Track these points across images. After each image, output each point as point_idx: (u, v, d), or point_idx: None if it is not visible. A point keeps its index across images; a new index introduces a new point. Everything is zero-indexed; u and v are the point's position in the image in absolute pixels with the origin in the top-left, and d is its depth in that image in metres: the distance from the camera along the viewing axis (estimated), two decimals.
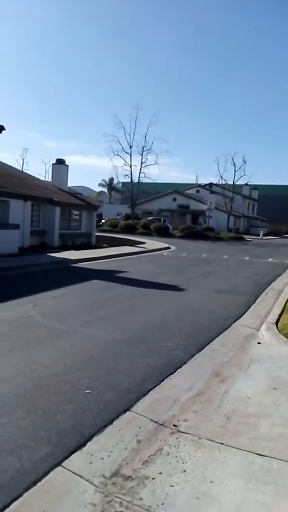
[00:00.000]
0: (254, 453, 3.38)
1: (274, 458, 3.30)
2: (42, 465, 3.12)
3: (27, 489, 2.85)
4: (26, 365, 5.08)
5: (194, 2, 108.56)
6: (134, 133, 54.26)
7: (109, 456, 3.31)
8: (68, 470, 3.11)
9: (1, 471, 3.02)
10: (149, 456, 3.35)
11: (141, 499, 2.84)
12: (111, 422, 3.82)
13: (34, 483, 2.92)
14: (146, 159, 48.04)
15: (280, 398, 4.44)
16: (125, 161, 48.70)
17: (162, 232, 40.15)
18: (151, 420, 3.91)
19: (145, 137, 55.46)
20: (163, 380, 4.82)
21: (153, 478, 3.07)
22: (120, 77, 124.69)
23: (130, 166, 48.02)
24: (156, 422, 3.88)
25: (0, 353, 5.48)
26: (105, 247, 24.71)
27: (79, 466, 3.16)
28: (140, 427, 3.77)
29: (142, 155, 48.15)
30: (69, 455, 3.27)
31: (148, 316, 8.09)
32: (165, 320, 7.79)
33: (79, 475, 3.05)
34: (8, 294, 9.42)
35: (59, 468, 3.12)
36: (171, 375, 4.98)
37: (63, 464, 3.17)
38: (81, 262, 16.82)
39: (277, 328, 7.32)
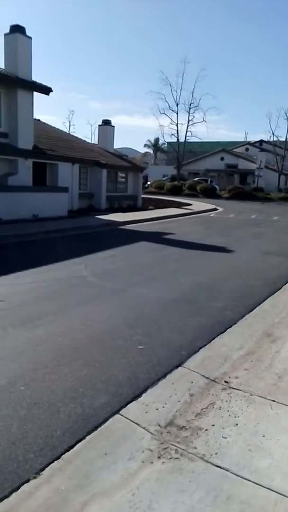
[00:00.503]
0: None
1: None
2: (101, 412, 3.35)
3: (89, 433, 3.09)
4: (81, 321, 5.35)
5: None
6: (181, 90, 52.61)
7: (163, 407, 3.48)
8: (126, 418, 3.31)
9: (65, 415, 3.28)
10: (202, 409, 3.48)
11: (195, 447, 2.99)
12: (164, 376, 3.98)
13: (95, 428, 3.15)
14: (193, 116, 46.74)
15: None
16: (171, 119, 47.67)
17: (209, 193, 39.26)
18: (202, 375, 4.03)
19: (193, 93, 53.55)
20: (213, 338, 4.90)
21: (206, 430, 3.20)
22: (167, 32, 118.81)
23: (177, 125, 46.76)
24: (207, 378, 3.99)
25: (57, 310, 5.78)
26: (151, 209, 24.67)
27: (135, 415, 3.36)
28: (192, 382, 3.90)
29: (189, 112, 46.66)
30: (126, 405, 3.47)
31: (197, 277, 8.12)
32: (213, 281, 7.79)
33: (136, 423, 3.25)
34: (61, 254, 9.79)
35: (117, 416, 3.33)
36: (221, 334, 5.04)
37: (120, 412, 3.37)
38: (128, 224, 16.99)
39: None
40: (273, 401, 3.58)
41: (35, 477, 2.62)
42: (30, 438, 2.98)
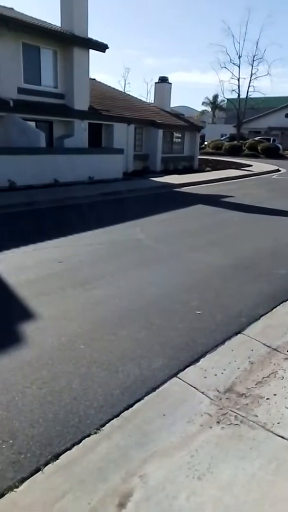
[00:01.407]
0: None
1: None
2: (159, 374, 3.35)
3: (147, 393, 3.11)
4: (138, 283, 5.35)
5: None
6: (244, 40, 48.95)
7: (222, 373, 3.41)
8: (184, 381, 3.29)
9: (124, 375, 3.32)
10: (263, 377, 3.37)
11: (256, 416, 2.91)
12: (223, 342, 3.89)
13: (153, 389, 3.16)
14: (257, 69, 44.00)
15: None
16: (232, 73, 45.16)
17: (271, 153, 37.07)
18: (263, 344, 3.88)
19: (257, 43, 50.35)
20: (275, 306, 4.69)
21: (267, 398, 3.09)
22: None
23: (238, 80, 44.34)
24: (269, 346, 3.84)
25: (114, 272, 5.82)
26: (208, 170, 23.86)
27: (193, 379, 3.32)
28: (252, 350, 3.77)
29: (252, 65, 43.61)
30: (184, 368, 3.44)
31: (257, 242, 7.78)
32: (276, 247, 7.42)
33: (194, 387, 3.21)
34: (117, 217, 9.81)
35: (175, 379, 3.31)
36: (284, 303, 4.81)
37: (178, 375, 3.35)
38: (184, 186, 16.59)
39: None
40: None
41: (96, 433, 2.69)
42: (90, 395, 3.06)
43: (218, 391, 3.19)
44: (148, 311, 4.51)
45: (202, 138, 42.53)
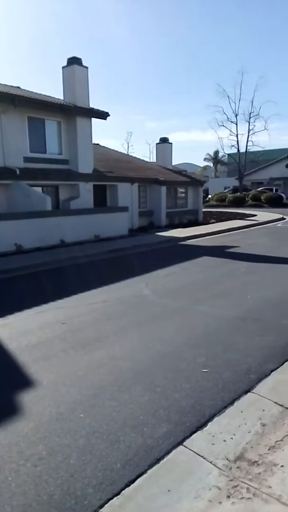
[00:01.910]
0: None
1: None
2: (164, 443, 3.12)
3: (150, 466, 2.87)
4: (143, 342, 5.18)
5: None
6: (239, 100, 51.71)
7: (231, 438, 3.16)
8: (190, 450, 3.05)
9: (125, 446, 3.09)
10: (276, 441, 3.11)
11: (270, 487, 2.64)
12: (231, 403, 3.65)
13: (157, 461, 2.92)
14: (254, 125, 45.94)
15: None
16: (230, 131, 46.94)
17: (275, 203, 37.64)
18: (275, 403, 3.63)
19: (252, 102, 51.90)
20: (286, 360, 4.45)
21: (281, 466, 2.83)
22: (221, 43, 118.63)
23: (237, 136, 45.97)
24: (281, 405, 3.59)
25: (118, 331, 5.68)
26: (213, 222, 24.16)
27: (200, 446, 3.08)
28: (263, 410, 3.53)
29: (249, 122, 45.64)
30: (190, 435, 3.21)
31: (265, 292, 7.62)
32: (283, 296, 7.25)
33: (202, 456, 2.97)
34: (122, 273, 9.79)
35: (180, 447, 3.07)
36: None
37: (184, 443, 3.12)
38: (189, 239, 16.71)
39: None
40: None
41: None
42: (89, 471, 2.83)
43: (227, 459, 2.93)
44: (152, 372, 4.31)
45: (206, 192, 43.64)
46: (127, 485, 2.69)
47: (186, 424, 3.34)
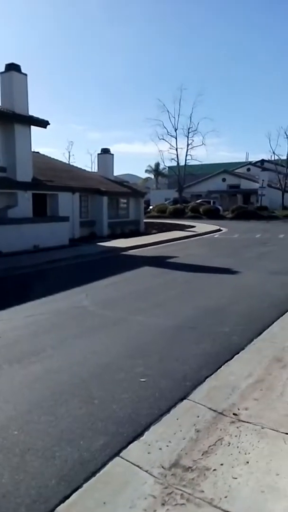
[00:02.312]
0: None
1: None
2: (100, 455, 3.10)
3: (86, 480, 2.84)
4: (81, 354, 5.12)
5: None
6: (178, 115, 53.34)
7: (167, 446, 3.22)
8: (127, 460, 3.06)
9: (61, 461, 3.03)
10: (209, 446, 3.22)
11: (202, 491, 2.72)
12: (168, 410, 3.73)
13: (93, 474, 2.90)
14: (193, 140, 47.25)
15: None
16: (170, 144, 48.08)
17: (213, 214, 39.26)
18: (209, 408, 3.76)
19: (190, 118, 53.93)
20: (220, 367, 4.64)
21: (214, 470, 2.93)
22: (162, 59, 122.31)
23: (176, 150, 47.40)
24: (214, 410, 3.72)
25: (55, 343, 5.57)
26: (154, 233, 24.62)
27: (137, 456, 3.10)
28: (198, 416, 3.64)
29: (188, 137, 47.33)
30: (127, 445, 3.22)
31: (202, 301, 7.89)
32: (219, 305, 7.56)
33: (138, 466, 2.99)
34: (62, 284, 9.63)
35: (117, 459, 3.07)
36: (228, 362, 4.78)
37: (121, 454, 3.12)
38: (130, 249, 16.87)
39: None
40: (287, 434, 3.31)
41: None
42: (22, 490, 2.74)
43: (163, 467, 2.98)
44: (90, 384, 4.28)
45: (147, 203, 44.41)
46: (62, 501, 2.63)
47: (123, 435, 3.35)
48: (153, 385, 4.21)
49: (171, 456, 3.10)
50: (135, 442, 3.28)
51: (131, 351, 5.21)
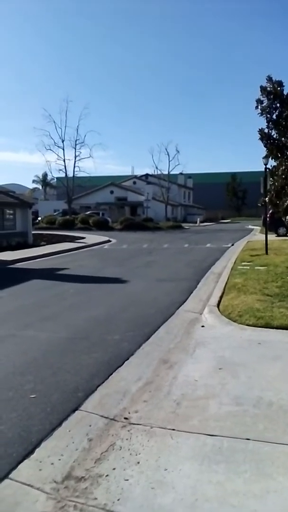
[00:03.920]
0: (205, 434, 3.43)
1: (224, 437, 3.37)
2: None
3: None
4: None
5: None
6: (65, 127, 52.93)
7: (59, 459, 3.18)
8: (16, 481, 2.93)
9: None
10: (101, 453, 3.27)
11: (95, 498, 2.76)
12: (59, 424, 3.68)
13: None
14: (80, 152, 47.33)
15: (226, 377, 4.56)
16: (58, 155, 47.48)
17: (102, 226, 39.81)
18: (101, 416, 3.82)
19: (77, 130, 53.97)
20: (111, 374, 4.74)
21: (107, 475, 2.99)
22: (48, 69, 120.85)
23: (64, 161, 47.04)
24: (106, 417, 3.80)
25: None
26: (44, 245, 23.97)
27: (28, 475, 3.00)
28: (90, 425, 3.67)
29: (75, 148, 47.33)
30: (17, 465, 3.09)
31: (92, 311, 7.95)
32: (109, 314, 7.71)
33: (29, 485, 2.89)
34: None
35: (6, 481, 2.93)
36: (119, 368, 4.92)
37: (10, 476, 2.98)
38: (18, 262, 16.16)
39: (218, 310, 7.54)
40: (173, 429, 3.54)
41: None
42: None
43: (55, 482, 2.93)
44: None
45: (36, 214, 43.03)
46: None
47: (13, 455, 3.20)
48: (45, 400, 4.11)
49: (64, 469, 3.07)
50: (25, 461, 3.17)
51: (20, 368, 5.00)
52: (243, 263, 13.39)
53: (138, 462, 3.11)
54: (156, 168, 57.47)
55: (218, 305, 7.87)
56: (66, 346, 5.85)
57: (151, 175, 62.54)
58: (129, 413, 3.86)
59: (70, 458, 3.20)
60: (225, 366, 4.89)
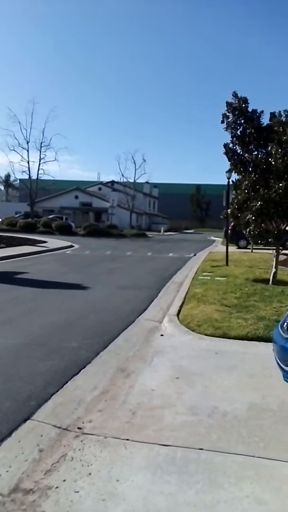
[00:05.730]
0: (159, 444, 3.41)
1: (178, 447, 3.37)
2: None
3: None
4: None
5: None
6: (31, 128, 52.14)
7: (7, 471, 3.04)
8: None
9: None
10: (52, 464, 3.17)
11: (43, 511, 2.66)
12: (9, 434, 3.53)
13: None
14: (45, 155, 46.93)
15: (182, 387, 4.57)
16: (22, 156, 46.64)
17: (65, 231, 39.24)
18: (54, 426, 3.71)
19: (43, 132, 53.22)
20: (66, 382, 4.63)
21: (56, 487, 2.89)
22: (17, 68, 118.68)
23: (28, 162, 46.26)
24: (59, 427, 3.69)
25: None
26: (3, 247, 23.26)
27: None
28: (42, 435, 3.55)
29: (40, 151, 46.69)
30: None
31: (51, 317, 7.77)
32: (68, 320, 7.56)
33: None
34: None
35: None
36: (75, 376, 4.81)
37: None
38: None
39: (178, 319, 7.59)
40: (127, 439, 3.49)
41: None
42: None
43: (1, 495, 2.80)
44: None
45: None
46: None
47: None
48: None
49: (11, 481, 2.94)
50: None
51: None
52: (204, 273, 13.62)
53: (90, 473, 3.04)
54: (122, 175, 57.70)
55: (178, 314, 7.93)
56: (21, 352, 5.66)
57: (117, 182, 62.63)
58: (83, 422, 3.77)
59: (18, 469, 3.07)
60: (182, 375, 4.91)
